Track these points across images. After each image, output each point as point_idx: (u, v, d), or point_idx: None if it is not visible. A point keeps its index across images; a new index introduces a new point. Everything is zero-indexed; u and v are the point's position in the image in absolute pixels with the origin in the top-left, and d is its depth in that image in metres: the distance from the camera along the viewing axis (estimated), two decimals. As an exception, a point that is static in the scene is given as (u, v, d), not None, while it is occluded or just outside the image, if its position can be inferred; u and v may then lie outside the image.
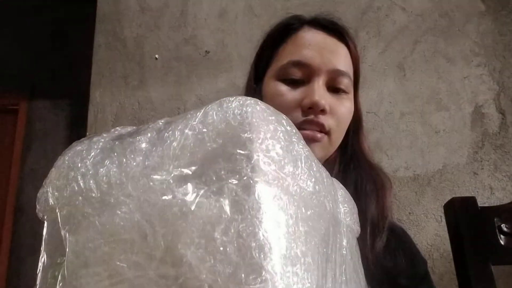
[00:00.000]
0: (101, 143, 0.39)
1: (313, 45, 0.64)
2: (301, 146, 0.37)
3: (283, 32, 0.69)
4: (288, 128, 0.36)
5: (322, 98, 0.60)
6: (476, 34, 1.53)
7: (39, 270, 0.39)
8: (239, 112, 0.34)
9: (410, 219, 1.34)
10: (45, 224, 0.40)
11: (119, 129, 0.42)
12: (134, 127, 0.41)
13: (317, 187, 0.38)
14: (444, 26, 1.54)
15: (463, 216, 0.70)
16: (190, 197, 0.32)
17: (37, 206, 0.40)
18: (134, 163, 0.35)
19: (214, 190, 0.31)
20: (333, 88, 0.63)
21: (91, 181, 0.36)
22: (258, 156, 0.32)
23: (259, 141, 0.33)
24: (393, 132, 1.43)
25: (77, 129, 2.39)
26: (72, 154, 0.39)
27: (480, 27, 1.53)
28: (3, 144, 2.52)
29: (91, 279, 0.33)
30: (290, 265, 0.30)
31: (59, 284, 0.34)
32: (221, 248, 0.29)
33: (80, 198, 0.36)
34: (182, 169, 0.33)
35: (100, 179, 0.35)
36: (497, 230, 0.67)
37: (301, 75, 0.63)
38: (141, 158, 0.35)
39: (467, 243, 0.67)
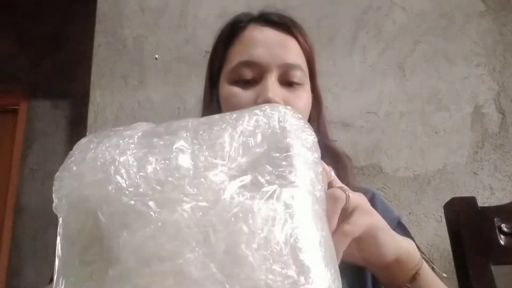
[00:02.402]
0: (136, 138, 0.37)
1: (260, 42, 0.64)
2: (316, 155, 0.39)
3: (231, 32, 0.69)
4: (313, 137, 0.38)
5: (276, 94, 0.61)
6: (476, 34, 1.52)
7: (57, 269, 0.35)
8: (281, 120, 0.36)
9: (410, 219, 1.34)
10: (61, 221, 0.37)
11: (144, 124, 0.41)
12: (153, 124, 0.41)
13: None
14: (444, 26, 1.54)
15: (463, 216, 0.70)
16: (248, 199, 0.32)
17: (55, 201, 0.37)
18: (181, 162, 0.34)
19: (267, 193, 0.33)
20: (287, 82, 0.64)
21: (138, 177, 0.34)
22: (298, 161, 0.34)
23: (298, 148, 0.35)
24: (393, 132, 1.43)
25: (77, 129, 2.39)
26: (103, 148, 0.37)
27: (480, 27, 1.53)
28: (3, 144, 2.52)
29: (155, 278, 0.31)
30: (333, 268, 0.32)
31: (111, 284, 0.32)
32: (278, 249, 0.30)
33: (128, 194, 0.34)
34: (235, 171, 0.34)
35: (150, 176, 0.34)
36: (497, 230, 0.67)
37: (252, 75, 0.63)
38: (187, 157, 0.35)
39: (467, 243, 0.67)
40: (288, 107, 0.38)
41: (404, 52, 1.51)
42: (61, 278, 0.34)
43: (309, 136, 0.37)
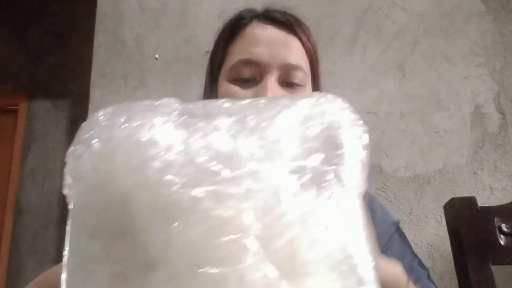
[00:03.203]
0: (173, 117, 0.32)
1: (261, 41, 0.62)
2: (367, 153, 0.37)
3: (233, 29, 0.67)
4: (366, 134, 0.36)
5: (274, 94, 0.59)
6: (476, 34, 1.52)
7: (68, 263, 0.29)
8: (335, 112, 0.33)
9: (410, 219, 1.34)
10: (74, 206, 0.30)
11: (172, 100, 0.35)
12: (180, 100, 0.35)
13: None
14: (444, 26, 1.54)
15: (463, 216, 0.70)
16: (310, 200, 0.29)
17: (68, 181, 0.31)
18: (233, 150, 0.30)
19: (327, 195, 0.30)
20: (287, 83, 0.62)
21: (186, 164, 0.29)
22: (354, 160, 0.32)
23: (353, 145, 0.33)
24: (393, 132, 1.43)
25: (77, 129, 2.38)
26: (134, 125, 0.31)
27: (480, 27, 1.53)
28: (3, 144, 2.52)
29: (210, 284, 0.26)
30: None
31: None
32: (339, 258, 0.28)
33: (175, 182, 0.28)
34: (293, 166, 0.30)
35: (200, 164, 0.29)
36: (497, 230, 0.67)
37: (252, 74, 0.61)
38: (238, 144, 0.30)
39: (467, 243, 0.67)
40: (339, 98, 0.35)
41: (404, 52, 1.51)
42: (73, 274, 0.29)
43: (362, 132, 0.34)
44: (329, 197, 0.30)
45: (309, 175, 0.30)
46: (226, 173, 0.29)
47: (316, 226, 0.29)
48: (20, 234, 2.31)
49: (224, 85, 0.63)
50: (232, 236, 0.27)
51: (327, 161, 0.31)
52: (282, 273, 0.27)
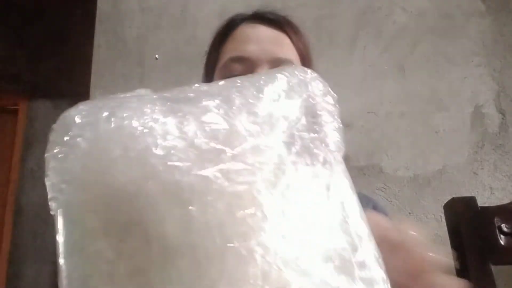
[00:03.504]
0: (158, 103, 0.31)
1: (251, 38, 0.65)
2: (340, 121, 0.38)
3: (224, 31, 0.69)
4: (335, 101, 0.37)
5: None
6: (476, 34, 1.52)
7: (66, 263, 0.27)
8: (311, 83, 0.35)
9: (410, 219, 1.34)
10: (67, 216, 0.28)
11: (143, 90, 0.36)
12: (151, 90, 0.36)
13: None
14: (444, 26, 1.54)
15: (463, 216, 0.70)
16: (304, 165, 0.31)
17: (53, 189, 0.29)
18: (226, 129, 0.30)
19: (315, 157, 0.32)
20: None
21: (185, 148, 0.28)
22: (333, 128, 0.34)
23: (328, 112, 0.35)
24: (393, 132, 1.43)
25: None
26: (122, 116, 0.30)
27: (480, 27, 1.53)
28: (3, 144, 2.52)
29: (241, 259, 0.26)
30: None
31: (190, 273, 0.26)
32: (340, 215, 0.30)
33: (181, 167, 0.28)
34: (285, 138, 0.31)
35: (199, 146, 0.29)
36: (497, 230, 0.67)
37: (243, 70, 0.62)
38: (230, 123, 0.30)
39: (467, 243, 0.67)
40: (308, 69, 0.36)
41: (404, 52, 1.51)
42: (85, 282, 0.27)
43: (335, 99, 0.36)
44: (323, 162, 0.32)
45: (299, 143, 0.32)
46: (228, 151, 0.29)
47: (319, 189, 0.31)
48: (20, 234, 2.31)
49: None
50: (251, 209, 0.27)
51: (310, 129, 0.33)
52: (297, 238, 0.28)
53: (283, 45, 0.65)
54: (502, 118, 1.44)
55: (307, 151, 0.32)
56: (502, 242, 0.66)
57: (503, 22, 1.54)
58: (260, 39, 0.64)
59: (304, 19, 1.57)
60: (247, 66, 0.63)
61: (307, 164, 0.31)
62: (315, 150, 0.32)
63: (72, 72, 2.47)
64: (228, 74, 0.63)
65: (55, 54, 2.59)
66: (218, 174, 0.28)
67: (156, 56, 1.56)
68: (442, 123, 1.44)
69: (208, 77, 0.70)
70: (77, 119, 0.31)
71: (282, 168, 0.30)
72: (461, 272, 0.68)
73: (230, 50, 0.66)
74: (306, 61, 0.69)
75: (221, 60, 0.66)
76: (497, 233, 0.67)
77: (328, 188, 0.31)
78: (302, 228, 0.29)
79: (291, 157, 0.31)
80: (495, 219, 0.69)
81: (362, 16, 1.55)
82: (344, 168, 0.33)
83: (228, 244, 0.26)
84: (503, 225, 0.67)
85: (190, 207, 0.27)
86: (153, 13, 1.61)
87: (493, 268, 0.65)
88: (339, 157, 0.33)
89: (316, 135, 0.33)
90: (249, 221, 0.27)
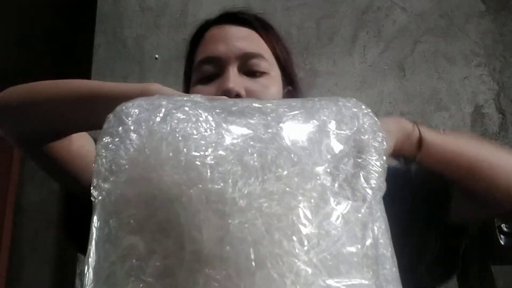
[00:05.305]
0: (214, 112, 0.32)
1: (218, 38, 0.65)
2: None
3: (195, 39, 0.71)
4: (382, 134, 0.37)
5: (237, 84, 0.60)
6: (476, 34, 1.52)
7: (93, 264, 0.28)
8: (361, 117, 0.35)
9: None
10: (106, 204, 0.29)
11: (198, 96, 0.36)
12: (205, 98, 0.36)
13: None
14: (444, 26, 1.54)
15: (463, 216, 0.70)
16: (345, 199, 0.31)
17: (101, 174, 0.29)
18: (273, 149, 0.30)
19: (356, 193, 0.32)
20: (249, 72, 0.63)
21: (233, 160, 0.29)
22: (376, 164, 0.33)
23: (375, 150, 0.34)
24: (393, 132, 1.43)
25: (77, 129, 2.38)
26: (175, 120, 0.30)
27: (480, 27, 1.53)
28: (3, 144, 2.51)
29: (272, 283, 0.27)
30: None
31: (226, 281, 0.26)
32: (372, 253, 0.31)
33: (226, 179, 0.28)
34: (331, 168, 0.31)
35: (247, 162, 0.29)
36: (497, 230, 0.67)
37: (213, 70, 0.63)
38: (280, 144, 0.31)
39: (467, 243, 0.67)
40: (362, 103, 0.37)
41: (404, 52, 1.51)
42: (110, 272, 0.27)
43: (383, 137, 0.36)
44: (363, 199, 0.31)
45: (343, 176, 0.32)
46: (275, 172, 0.29)
47: (355, 226, 0.30)
48: (20, 234, 2.31)
49: (193, 89, 0.65)
50: (289, 234, 0.28)
51: (356, 164, 0.32)
52: (327, 270, 0.28)
53: (252, 40, 0.66)
54: (502, 118, 1.44)
55: (349, 185, 0.32)
56: (502, 242, 0.66)
57: (503, 22, 1.54)
58: (227, 37, 0.65)
59: (304, 19, 1.57)
60: (217, 65, 0.63)
61: (348, 198, 0.31)
62: (357, 186, 0.32)
63: (72, 72, 2.46)
64: (200, 76, 0.64)
65: (55, 54, 2.59)
66: (262, 193, 0.28)
67: (156, 56, 1.56)
68: (442, 123, 1.44)
69: (186, 84, 0.72)
70: (134, 114, 0.31)
71: (324, 198, 0.30)
72: (461, 272, 0.68)
73: (200, 53, 0.67)
74: (278, 54, 0.69)
75: (193, 66, 0.67)
76: (497, 233, 0.67)
77: (365, 226, 0.31)
78: (333, 261, 0.28)
79: (334, 189, 0.31)
80: (495, 219, 0.69)
81: (362, 16, 1.55)
82: (382, 208, 0.33)
83: (260, 264, 0.26)
84: (503, 225, 0.68)
85: (229, 220, 0.27)
86: (153, 13, 1.61)
87: (493, 268, 0.65)
88: (379, 196, 0.33)
89: (360, 170, 0.32)
90: (285, 245, 0.27)
